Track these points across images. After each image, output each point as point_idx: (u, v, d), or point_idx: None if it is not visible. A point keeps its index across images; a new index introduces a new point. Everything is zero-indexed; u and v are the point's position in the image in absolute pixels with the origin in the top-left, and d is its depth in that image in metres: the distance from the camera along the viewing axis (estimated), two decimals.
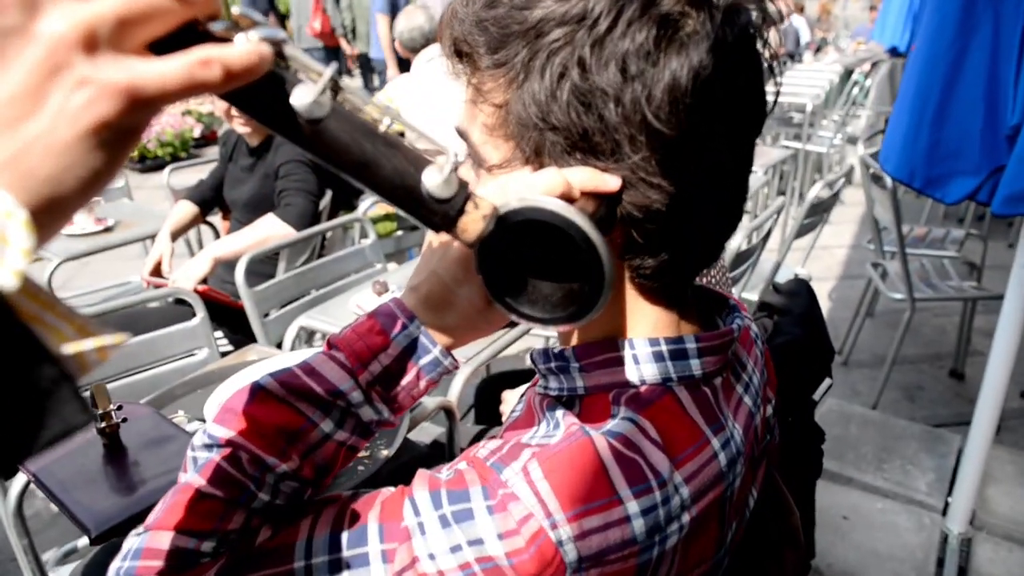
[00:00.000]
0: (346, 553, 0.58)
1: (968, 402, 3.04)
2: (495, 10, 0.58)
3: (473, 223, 0.52)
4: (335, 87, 0.47)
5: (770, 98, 0.63)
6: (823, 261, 4.62)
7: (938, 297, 3.03)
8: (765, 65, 0.60)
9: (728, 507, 0.67)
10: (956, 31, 1.55)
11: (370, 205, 2.93)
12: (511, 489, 0.56)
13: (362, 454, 1.28)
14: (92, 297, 3.07)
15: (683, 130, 0.54)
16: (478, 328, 0.65)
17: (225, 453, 0.60)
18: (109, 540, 1.10)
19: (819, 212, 2.94)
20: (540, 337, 2.59)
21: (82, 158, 0.34)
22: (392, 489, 0.62)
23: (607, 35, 0.53)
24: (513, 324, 0.68)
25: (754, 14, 0.57)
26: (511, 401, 1.63)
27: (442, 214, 0.52)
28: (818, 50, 9.60)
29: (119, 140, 0.35)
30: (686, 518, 0.60)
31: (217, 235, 3.17)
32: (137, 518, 1.13)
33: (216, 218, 3.00)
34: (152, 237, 2.77)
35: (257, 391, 0.62)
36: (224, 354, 1.97)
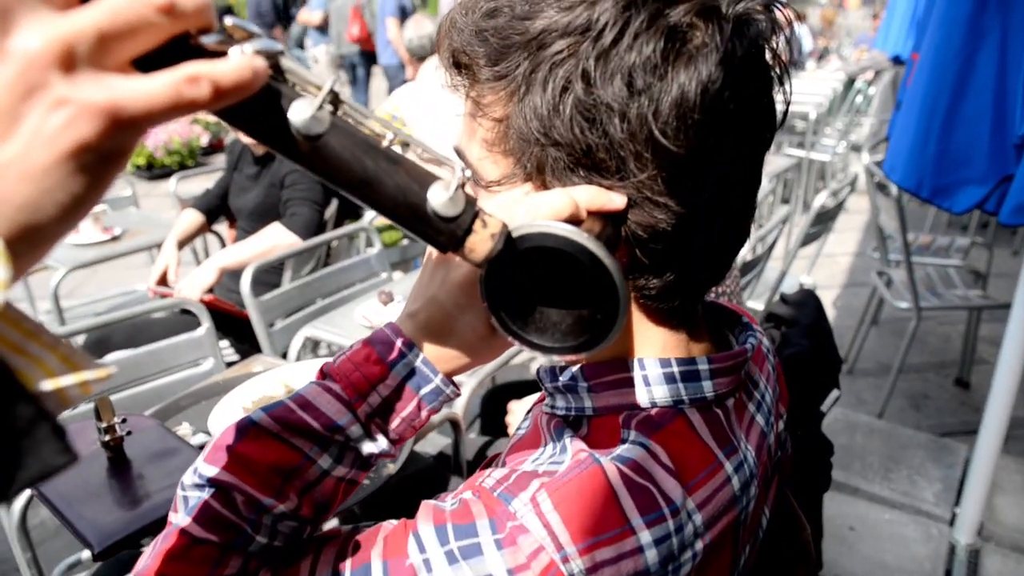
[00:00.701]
0: None
1: (974, 411, 3.03)
2: (496, 20, 0.55)
3: (481, 243, 0.49)
4: (335, 101, 0.45)
5: (780, 109, 0.61)
6: (827, 269, 4.61)
7: (944, 306, 3.02)
8: (775, 77, 0.58)
9: (742, 531, 0.65)
10: (964, 39, 1.55)
11: (376, 214, 2.92)
12: (520, 521, 0.53)
13: None
14: (99, 306, 3.08)
15: (691, 147, 0.52)
16: (480, 355, 0.62)
17: (218, 494, 0.57)
18: (112, 556, 1.10)
19: (824, 221, 2.94)
20: None
21: (61, 183, 0.32)
22: (394, 522, 0.59)
23: (613, 47, 0.51)
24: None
25: (763, 25, 0.55)
26: (517, 412, 1.62)
27: (448, 233, 0.49)
28: (821, 58, 9.60)
29: (101, 163, 0.33)
30: (699, 545, 0.58)
31: (223, 244, 3.18)
32: (141, 533, 1.12)
33: (222, 227, 3.01)
34: (158, 246, 2.78)
35: (249, 427, 0.58)
36: (230, 364, 1.97)
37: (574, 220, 0.52)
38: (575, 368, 0.64)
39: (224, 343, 2.33)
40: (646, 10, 0.51)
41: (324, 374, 0.61)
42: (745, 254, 2.27)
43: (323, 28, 7.97)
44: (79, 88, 0.32)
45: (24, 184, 0.31)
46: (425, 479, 1.56)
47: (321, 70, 7.88)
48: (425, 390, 0.60)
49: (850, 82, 6.85)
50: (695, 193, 0.55)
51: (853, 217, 5.49)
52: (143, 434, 1.34)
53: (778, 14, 0.57)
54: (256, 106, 0.42)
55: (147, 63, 0.36)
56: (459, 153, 0.63)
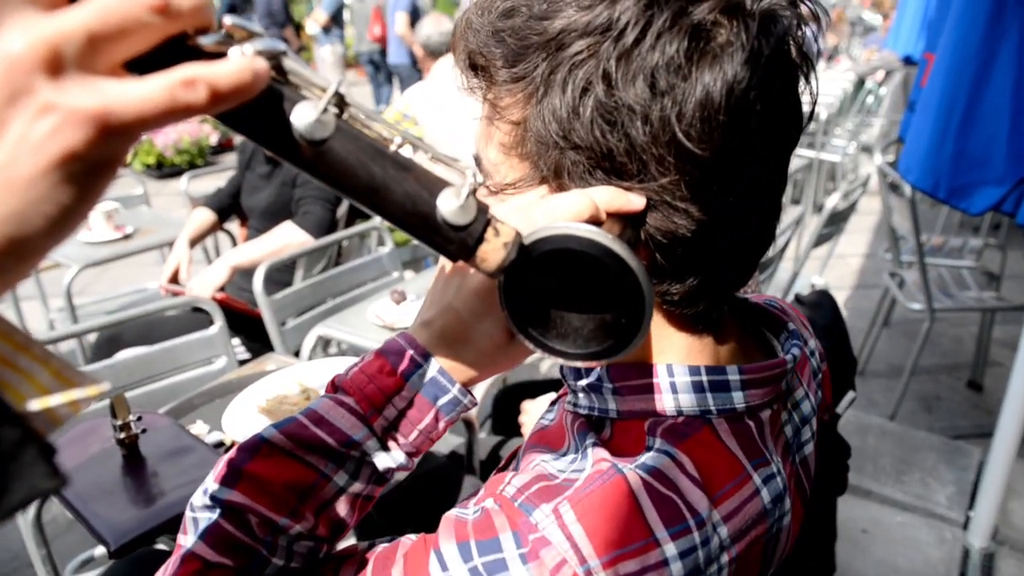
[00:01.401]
0: None
1: (987, 413, 3.01)
2: (513, 20, 0.53)
3: (494, 252, 0.47)
4: (340, 103, 0.43)
5: (806, 108, 0.58)
6: (838, 270, 4.59)
7: (958, 308, 3.00)
8: (801, 75, 0.56)
9: (773, 545, 0.63)
10: (981, 39, 1.54)
11: None
12: (542, 533, 0.52)
13: None
14: (110, 304, 3.09)
15: (716, 149, 0.50)
16: (497, 364, 0.60)
17: (231, 515, 0.55)
18: (128, 553, 1.10)
19: (836, 222, 2.92)
20: None
21: (48, 193, 0.30)
22: (413, 538, 0.58)
23: (635, 47, 0.49)
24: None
25: (789, 21, 0.53)
26: (531, 411, 1.62)
27: (459, 242, 0.47)
28: (830, 58, 9.56)
29: (91, 172, 0.31)
30: (725, 559, 0.56)
31: (234, 242, 3.19)
32: (156, 530, 1.13)
33: (233, 225, 3.02)
34: (170, 244, 2.78)
35: (261, 445, 0.57)
36: (242, 362, 1.97)
37: (594, 222, 0.50)
38: (601, 368, 0.63)
39: (236, 341, 2.34)
40: (669, 8, 0.49)
41: (336, 387, 0.59)
42: None
43: (328, 29, 8.00)
44: (66, 93, 0.30)
45: (9, 195, 0.30)
46: (438, 479, 1.56)
47: (327, 71, 7.90)
48: (442, 401, 0.59)
49: (860, 82, 6.82)
50: (719, 197, 0.53)
51: (864, 218, 5.46)
52: (158, 432, 1.35)
53: (803, 6, 0.55)
54: (257, 109, 0.41)
55: (141, 65, 0.34)
56: (476, 160, 0.61)
